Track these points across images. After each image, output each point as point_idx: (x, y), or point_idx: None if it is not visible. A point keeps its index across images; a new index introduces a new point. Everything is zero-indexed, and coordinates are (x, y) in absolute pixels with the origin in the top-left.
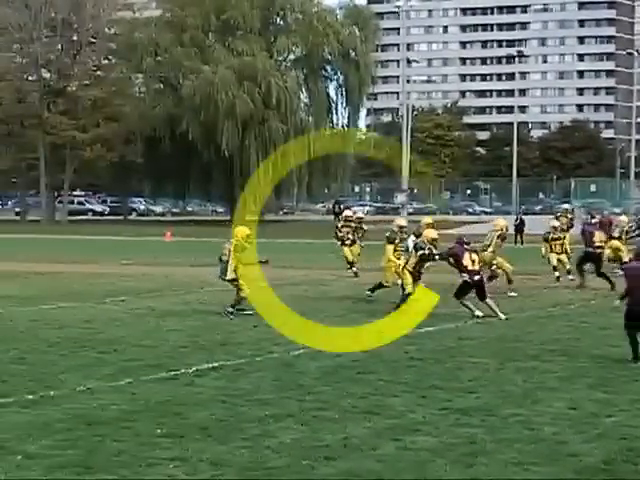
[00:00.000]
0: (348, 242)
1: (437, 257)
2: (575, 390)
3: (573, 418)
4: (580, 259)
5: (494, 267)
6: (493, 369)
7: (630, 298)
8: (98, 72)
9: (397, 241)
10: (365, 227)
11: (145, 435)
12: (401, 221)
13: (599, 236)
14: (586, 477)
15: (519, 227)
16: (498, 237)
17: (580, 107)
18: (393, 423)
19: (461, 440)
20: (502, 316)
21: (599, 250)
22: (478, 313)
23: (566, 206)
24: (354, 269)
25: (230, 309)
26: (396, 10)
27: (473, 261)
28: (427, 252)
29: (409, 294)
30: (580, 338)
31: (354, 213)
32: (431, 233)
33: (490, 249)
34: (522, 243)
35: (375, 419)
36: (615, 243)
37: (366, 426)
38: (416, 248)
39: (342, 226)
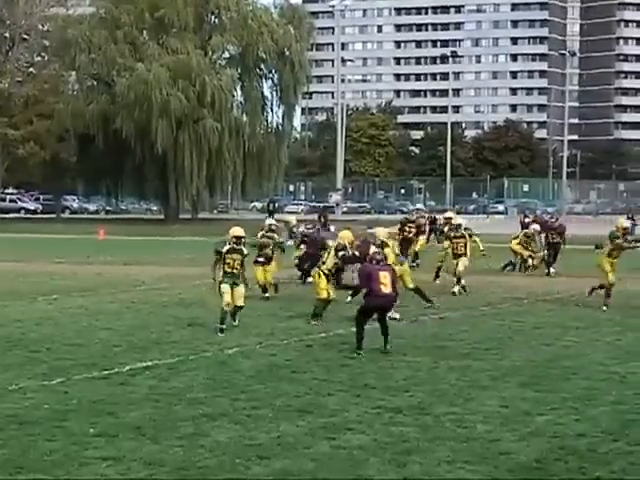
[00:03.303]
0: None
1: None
2: (507, 388)
3: (505, 416)
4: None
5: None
6: (426, 368)
7: (368, 296)
8: (31, 69)
9: None
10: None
11: (78, 434)
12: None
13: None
14: (518, 475)
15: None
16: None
17: (513, 107)
18: (327, 422)
19: (394, 439)
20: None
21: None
22: (396, 315)
23: (419, 206)
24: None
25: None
26: (331, 9)
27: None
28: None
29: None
30: (512, 337)
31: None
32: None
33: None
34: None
35: (309, 418)
36: (513, 245)
37: (300, 425)
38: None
39: (262, 237)
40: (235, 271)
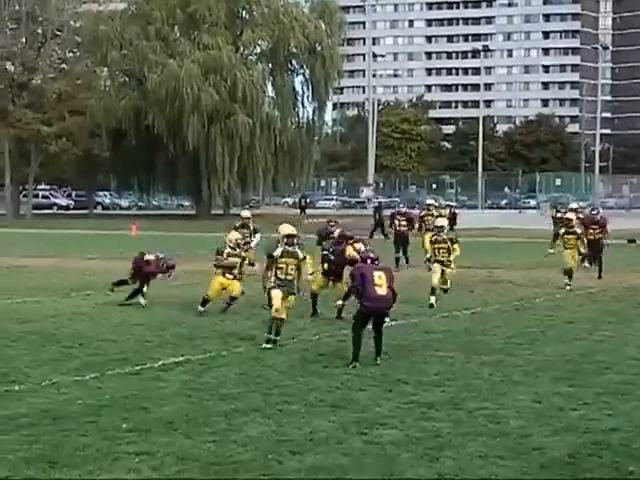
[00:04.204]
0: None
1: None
2: (540, 384)
3: (538, 411)
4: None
5: None
6: (459, 363)
7: (361, 299)
8: (63, 65)
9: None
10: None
11: (111, 429)
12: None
13: None
14: (551, 470)
15: (452, 221)
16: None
17: (545, 101)
18: (359, 417)
19: (427, 434)
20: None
21: None
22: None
23: (430, 201)
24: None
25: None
26: (362, 4)
27: (358, 251)
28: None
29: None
30: (545, 332)
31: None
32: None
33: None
34: None
35: (341, 413)
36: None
37: (332, 420)
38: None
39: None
40: (290, 277)
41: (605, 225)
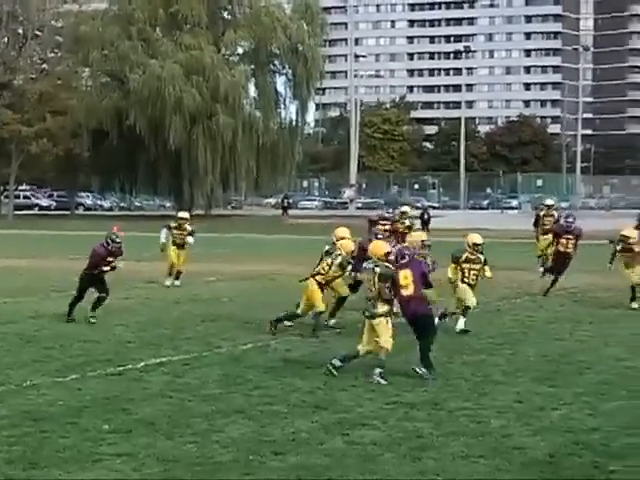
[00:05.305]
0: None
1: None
2: (521, 384)
3: (519, 411)
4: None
5: None
6: (440, 363)
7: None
8: (44, 65)
9: None
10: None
11: (92, 431)
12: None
13: None
14: (532, 470)
15: (425, 220)
16: None
17: (527, 102)
18: (341, 417)
19: (409, 434)
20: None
21: None
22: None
23: (405, 208)
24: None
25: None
26: (344, 5)
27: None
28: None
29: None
30: (526, 332)
31: None
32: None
33: None
34: None
35: (323, 413)
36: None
37: (314, 420)
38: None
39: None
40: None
41: (579, 236)
